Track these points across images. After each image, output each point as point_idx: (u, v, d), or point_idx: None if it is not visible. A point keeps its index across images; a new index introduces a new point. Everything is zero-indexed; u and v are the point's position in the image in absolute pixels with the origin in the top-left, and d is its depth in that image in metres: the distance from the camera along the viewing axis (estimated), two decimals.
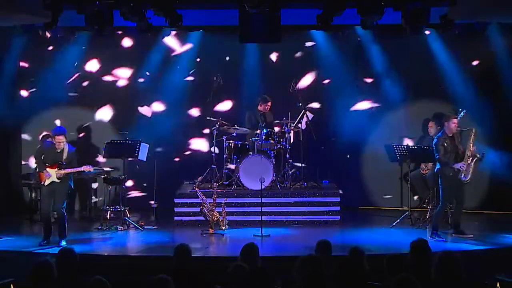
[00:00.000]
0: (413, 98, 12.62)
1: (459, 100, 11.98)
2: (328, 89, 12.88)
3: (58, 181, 9.82)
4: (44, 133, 11.86)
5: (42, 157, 9.93)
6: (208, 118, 12.02)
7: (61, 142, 9.85)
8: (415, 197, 12.29)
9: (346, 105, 12.84)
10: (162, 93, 12.90)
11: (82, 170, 10.12)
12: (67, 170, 9.85)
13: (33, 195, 11.88)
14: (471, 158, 10.03)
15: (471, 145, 10.06)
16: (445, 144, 9.96)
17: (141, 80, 12.88)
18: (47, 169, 9.83)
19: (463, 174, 9.98)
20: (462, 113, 10.51)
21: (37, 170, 10.14)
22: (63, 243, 9.70)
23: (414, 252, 6.22)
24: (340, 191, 11.51)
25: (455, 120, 10.04)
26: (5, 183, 12.40)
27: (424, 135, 12.08)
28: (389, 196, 12.80)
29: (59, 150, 9.88)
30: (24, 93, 12.78)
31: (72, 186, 10.07)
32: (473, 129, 10.21)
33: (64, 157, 9.85)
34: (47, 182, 9.84)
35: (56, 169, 9.82)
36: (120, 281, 6.21)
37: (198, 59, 12.88)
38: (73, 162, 9.93)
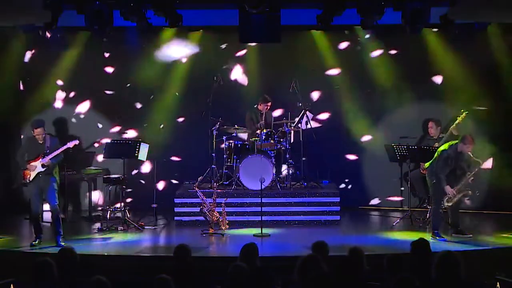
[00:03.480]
0: (414, 98, 12.61)
1: (459, 100, 11.98)
2: (328, 89, 12.87)
3: (44, 169, 9.66)
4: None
5: (26, 156, 9.80)
6: (211, 118, 12.01)
7: (40, 135, 9.76)
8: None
9: (346, 105, 12.85)
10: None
11: (68, 147, 9.99)
12: (53, 154, 9.72)
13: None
14: (463, 191, 9.98)
15: (470, 178, 9.96)
16: (449, 159, 9.93)
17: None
18: (31, 163, 9.72)
19: (445, 199, 9.94)
20: (463, 114, 10.52)
21: (21, 168, 9.95)
22: (62, 242, 9.69)
23: (414, 252, 6.23)
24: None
25: (471, 146, 9.84)
26: (5, 182, 12.40)
27: (424, 135, 12.08)
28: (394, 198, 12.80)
29: (41, 142, 9.79)
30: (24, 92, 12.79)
31: (57, 181, 9.87)
32: (480, 161, 10.01)
33: (47, 146, 9.75)
34: (32, 175, 9.70)
35: (40, 158, 9.70)
36: (120, 281, 6.22)
37: None
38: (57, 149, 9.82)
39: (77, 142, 10.24)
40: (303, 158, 11.85)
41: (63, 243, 9.63)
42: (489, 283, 6.95)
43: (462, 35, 11.62)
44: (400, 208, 12.38)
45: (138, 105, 12.96)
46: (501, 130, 12.20)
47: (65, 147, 10.00)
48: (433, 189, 10.15)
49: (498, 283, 6.92)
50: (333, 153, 12.80)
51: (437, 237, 9.88)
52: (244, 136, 12.21)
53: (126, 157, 11.30)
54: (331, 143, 12.73)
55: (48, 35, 11.48)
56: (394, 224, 11.05)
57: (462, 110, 10.72)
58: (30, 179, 9.74)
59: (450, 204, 9.99)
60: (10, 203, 12.36)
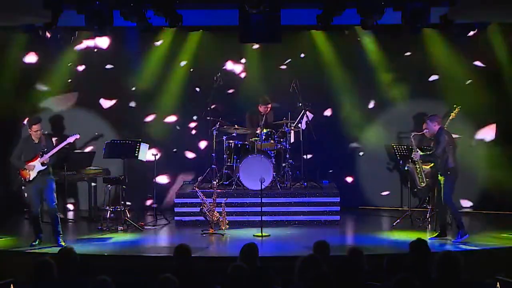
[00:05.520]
0: (414, 98, 12.61)
1: (459, 100, 11.97)
2: (328, 89, 12.86)
3: (43, 168, 9.63)
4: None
5: (22, 157, 9.76)
6: (208, 118, 12.02)
7: (38, 131, 9.71)
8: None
9: (346, 105, 12.85)
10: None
11: (68, 143, 10.00)
12: (51, 152, 9.69)
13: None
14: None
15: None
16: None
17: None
18: (29, 163, 9.68)
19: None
20: (456, 109, 10.54)
21: (18, 170, 9.88)
22: (62, 242, 9.68)
23: (413, 252, 6.22)
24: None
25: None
26: (5, 182, 12.39)
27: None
28: (387, 193, 12.77)
29: (36, 141, 9.74)
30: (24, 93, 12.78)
31: (53, 187, 9.83)
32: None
33: (43, 144, 9.73)
34: (32, 175, 9.66)
35: (39, 157, 9.66)
36: (120, 281, 6.21)
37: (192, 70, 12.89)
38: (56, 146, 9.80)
39: (78, 136, 10.23)
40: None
41: (63, 243, 9.62)
42: (489, 283, 6.94)
43: (462, 35, 11.62)
44: (400, 208, 12.38)
45: (136, 106, 12.95)
46: (501, 130, 12.21)
47: (66, 142, 9.98)
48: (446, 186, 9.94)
49: (498, 283, 6.92)
50: (333, 153, 12.81)
51: (463, 238, 9.76)
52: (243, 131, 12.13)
53: (126, 157, 11.30)
54: (331, 143, 12.74)
55: (48, 35, 11.47)
56: (394, 224, 11.04)
57: (455, 106, 10.72)
58: (30, 179, 9.72)
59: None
60: (10, 203, 12.36)
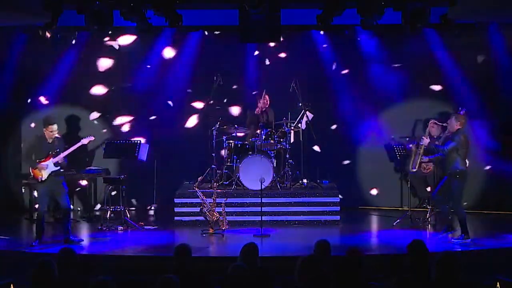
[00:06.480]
0: (414, 98, 12.62)
1: (459, 100, 11.99)
2: (328, 89, 12.87)
3: (57, 168, 9.60)
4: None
5: (33, 156, 9.71)
6: (210, 118, 12.01)
7: (55, 131, 9.65)
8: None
9: (346, 105, 12.85)
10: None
11: (81, 144, 9.95)
12: (65, 152, 9.65)
13: (33, 194, 11.84)
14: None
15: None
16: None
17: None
18: (41, 163, 9.60)
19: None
20: (462, 112, 10.53)
21: (30, 169, 9.81)
22: (77, 238, 9.85)
23: (411, 253, 6.22)
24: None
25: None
26: (4, 182, 12.40)
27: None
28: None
29: (50, 141, 9.69)
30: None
31: (66, 188, 9.86)
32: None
33: (56, 145, 9.70)
34: (45, 175, 9.58)
35: (51, 158, 9.61)
36: (123, 281, 6.22)
37: None
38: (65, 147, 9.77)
39: (92, 138, 10.22)
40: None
41: (77, 238, 9.82)
42: (489, 283, 6.95)
43: (462, 35, 11.63)
44: (400, 208, 12.38)
45: (137, 105, 12.96)
46: (501, 130, 12.22)
47: (80, 143, 9.96)
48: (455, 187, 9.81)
49: (498, 283, 6.92)
50: (333, 153, 12.81)
51: (464, 242, 9.68)
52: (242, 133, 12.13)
53: (126, 157, 11.30)
54: (331, 143, 12.75)
55: (48, 35, 11.48)
56: (394, 224, 11.04)
57: (460, 108, 10.73)
58: (43, 179, 9.63)
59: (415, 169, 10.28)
60: (10, 203, 12.36)
